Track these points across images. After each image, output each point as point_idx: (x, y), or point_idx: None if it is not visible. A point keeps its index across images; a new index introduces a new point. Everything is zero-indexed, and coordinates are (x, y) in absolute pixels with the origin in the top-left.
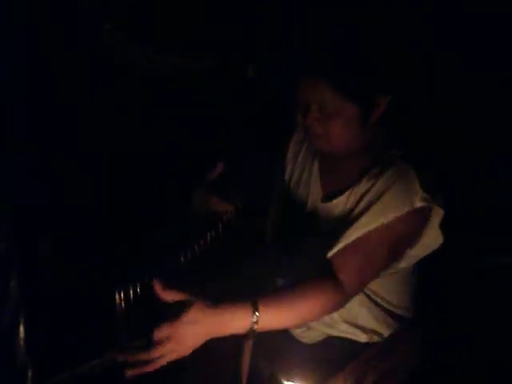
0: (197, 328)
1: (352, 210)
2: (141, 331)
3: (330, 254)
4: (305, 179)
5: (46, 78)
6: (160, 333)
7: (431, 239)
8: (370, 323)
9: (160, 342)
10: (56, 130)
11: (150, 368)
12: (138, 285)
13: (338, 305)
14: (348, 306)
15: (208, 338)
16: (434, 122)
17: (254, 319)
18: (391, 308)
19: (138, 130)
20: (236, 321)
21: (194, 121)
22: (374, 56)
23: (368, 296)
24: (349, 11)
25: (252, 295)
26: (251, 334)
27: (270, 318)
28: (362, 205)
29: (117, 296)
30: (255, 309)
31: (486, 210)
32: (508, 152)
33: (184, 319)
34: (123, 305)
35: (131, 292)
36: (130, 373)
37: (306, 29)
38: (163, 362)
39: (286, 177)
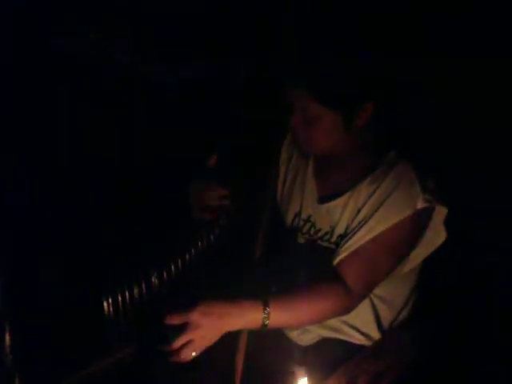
0: (212, 319)
1: (354, 214)
2: (130, 337)
3: (335, 261)
4: (299, 180)
5: (33, 80)
6: (174, 319)
7: (434, 237)
8: (368, 325)
9: (177, 331)
10: (44, 135)
11: (177, 358)
12: (127, 291)
13: (346, 309)
14: None
15: (222, 331)
16: (427, 121)
17: (265, 315)
18: (393, 310)
19: (133, 135)
20: (247, 315)
21: (190, 124)
22: (354, 65)
23: (370, 298)
24: (330, 23)
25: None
26: (263, 329)
27: (281, 315)
28: (366, 210)
29: (105, 303)
30: (266, 305)
31: (485, 209)
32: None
33: (198, 309)
34: (112, 311)
35: (120, 298)
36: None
37: (292, 40)
38: (188, 352)
39: (281, 178)
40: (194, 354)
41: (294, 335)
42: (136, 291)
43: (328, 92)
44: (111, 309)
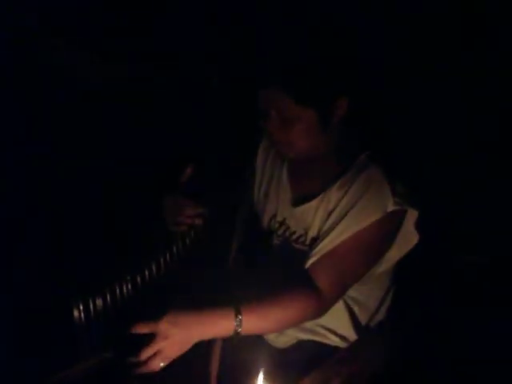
0: (181, 329)
1: (325, 217)
2: (102, 343)
3: (307, 265)
4: (274, 184)
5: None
6: (146, 327)
7: (406, 240)
8: (344, 327)
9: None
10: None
11: (146, 368)
12: (99, 297)
13: (319, 312)
14: None
15: (193, 340)
16: (399, 122)
17: (237, 323)
18: (367, 312)
19: (100, 142)
20: (220, 324)
21: (159, 132)
22: (328, 61)
23: (345, 301)
24: (302, 20)
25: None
26: (235, 337)
27: (253, 322)
28: (336, 213)
29: (75, 310)
30: (238, 313)
31: (462, 210)
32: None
33: (167, 318)
34: (83, 318)
35: (91, 305)
36: (135, 372)
37: (264, 39)
38: (158, 362)
39: (256, 183)
40: (162, 364)
41: (270, 337)
42: (108, 297)
43: (303, 89)
44: (82, 315)
